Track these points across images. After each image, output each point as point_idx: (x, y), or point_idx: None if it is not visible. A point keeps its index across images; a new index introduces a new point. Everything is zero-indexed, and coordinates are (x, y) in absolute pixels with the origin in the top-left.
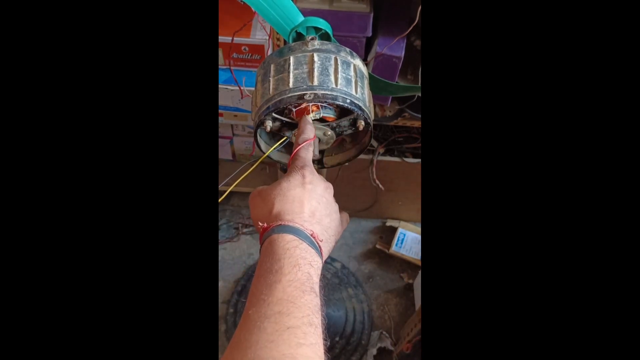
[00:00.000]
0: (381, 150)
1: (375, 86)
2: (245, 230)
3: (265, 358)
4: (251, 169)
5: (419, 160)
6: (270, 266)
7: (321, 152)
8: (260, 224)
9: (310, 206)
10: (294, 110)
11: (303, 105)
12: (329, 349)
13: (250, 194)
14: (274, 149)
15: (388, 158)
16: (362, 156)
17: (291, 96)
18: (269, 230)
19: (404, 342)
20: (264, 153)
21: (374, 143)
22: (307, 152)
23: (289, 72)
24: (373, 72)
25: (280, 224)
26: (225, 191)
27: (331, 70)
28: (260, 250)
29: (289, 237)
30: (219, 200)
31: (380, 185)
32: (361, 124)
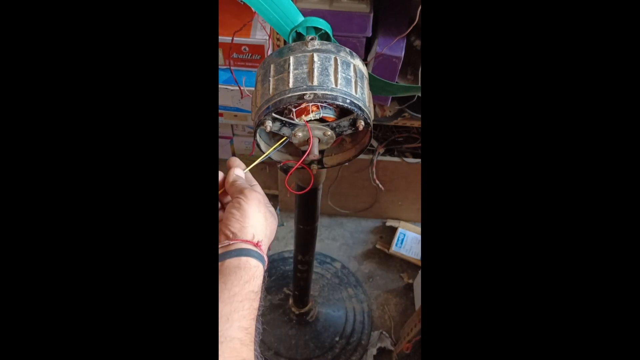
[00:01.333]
0: (381, 150)
1: (375, 86)
2: None
3: None
4: (250, 166)
5: (419, 160)
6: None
7: (321, 152)
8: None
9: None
10: (294, 110)
11: (303, 106)
12: (329, 349)
13: (256, 198)
14: (274, 149)
15: (388, 158)
16: (362, 156)
17: (291, 96)
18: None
19: (404, 342)
20: (264, 153)
21: (374, 143)
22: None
23: (288, 72)
24: (373, 72)
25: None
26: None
27: (331, 71)
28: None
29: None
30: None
31: (380, 185)
32: (361, 124)
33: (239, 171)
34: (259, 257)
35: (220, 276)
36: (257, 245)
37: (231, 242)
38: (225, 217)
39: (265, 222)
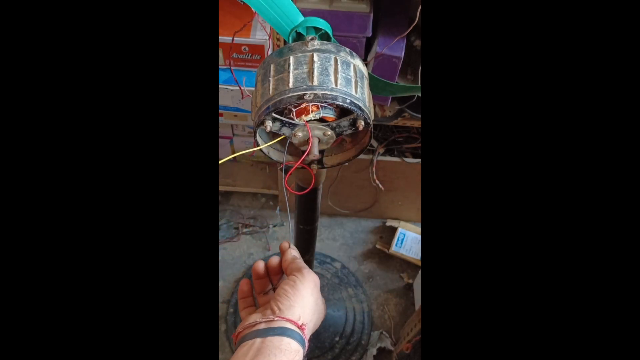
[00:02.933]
0: (381, 150)
1: (375, 86)
2: (245, 230)
3: None
4: (237, 154)
5: (419, 160)
6: None
7: (321, 152)
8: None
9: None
10: (294, 110)
11: (303, 105)
12: (329, 349)
13: (312, 280)
14: (269, 145)
15: (388, 158)
16: (362, 156)
17: (291, 96)
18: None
19: (403, 342)
20: (264, 153)
21: (374, 143)
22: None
23: (288, 72)
24: (373, 72)
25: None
26: (229, 192)
27: (331, 70)
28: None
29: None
30: (221, 161)
31: (380, 185)
32: (361, 124)
33: (296, 252)
34: (301, 340)
35: (259, 356)
36: (301, 327)
37: (275, 319)
38: (277, 292)
39: (315, 307)
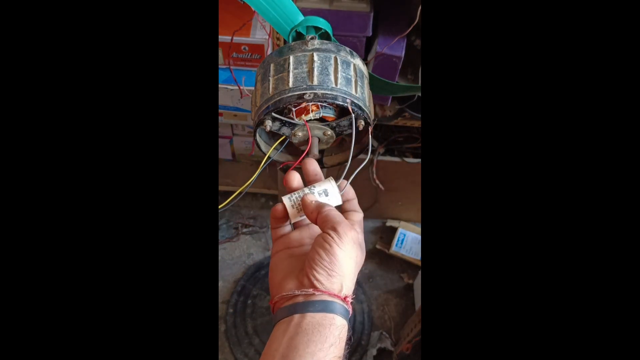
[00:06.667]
0: (381, 150)
1: (375, 86)
2: (244, 230)
3: None
4: (257, 172)
5: (419, 160)
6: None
7: (321, 152)
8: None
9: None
10: (293, 110)
11: (303, 105)
12: None
13: (351, 239)
14: (274, 148)
15: (388, 158)
16: (362, 156)
17: (291, 96)
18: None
19: (404, 342)
20: (264, 153)
21: (374, 143)
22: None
23: (288, 72)
24: (373, 72)
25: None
26: (229, 192)
27: (331, 70)
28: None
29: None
30: (221, 206)
31: (380, 185)
32: (361, 123)
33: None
34: (345, 314)
35: (300, 334)
36: (344, 300)
37: (316, 293)
38: (311, 257)
39: (355, 268)
